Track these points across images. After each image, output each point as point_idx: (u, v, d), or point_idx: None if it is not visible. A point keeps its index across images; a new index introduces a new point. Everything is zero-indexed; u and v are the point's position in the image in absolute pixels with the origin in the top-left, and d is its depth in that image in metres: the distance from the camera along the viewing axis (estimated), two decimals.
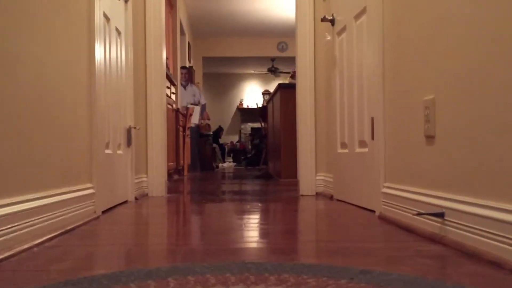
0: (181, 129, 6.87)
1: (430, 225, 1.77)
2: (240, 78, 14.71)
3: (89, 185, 2.40)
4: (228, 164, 12.10)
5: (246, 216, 2.43)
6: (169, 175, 5.72)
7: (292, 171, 5.57)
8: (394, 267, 1.29)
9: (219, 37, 11.02)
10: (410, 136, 2.01)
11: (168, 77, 4.93)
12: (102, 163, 2.57)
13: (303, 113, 3.74)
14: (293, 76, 6.17)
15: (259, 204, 3.05)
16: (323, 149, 3.74)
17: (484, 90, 1.45)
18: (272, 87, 14.34)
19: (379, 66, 2.36)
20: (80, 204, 2.23)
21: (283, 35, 10.93)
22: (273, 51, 11.20)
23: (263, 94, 14.44)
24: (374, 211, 2.48)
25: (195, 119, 8.73)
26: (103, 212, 2.62)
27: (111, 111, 2.83)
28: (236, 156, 12.95)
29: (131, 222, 2.32)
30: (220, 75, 14.39)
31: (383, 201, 2.32)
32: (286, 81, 7.30)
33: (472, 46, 1.52)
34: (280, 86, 5.65)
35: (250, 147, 13.15)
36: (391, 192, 2.22)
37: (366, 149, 2.62)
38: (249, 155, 12.21)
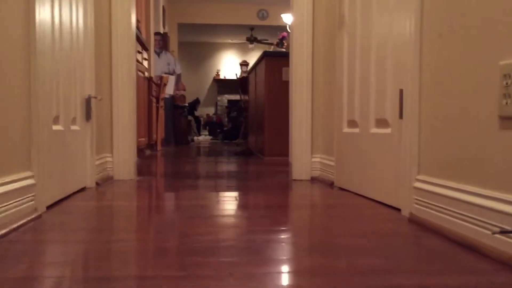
0: (154, 100, 6.19)
1: (506, 244, 1.22)
2: (217, 47, 13.94)
3: (27, 173, 1.77)
4: (203, 138, 11.46)
5: (233, 216, 1.85)
6: (141, 150, 5.09)
7: (277, 148, 5.01)
8: None
9: (195, 2, 10.22)
10: (470, 115, 1.44)
11: (140, 41, 4.26)
12: (47, 143, 1.94)
13: (298, 84, 3.15)
14: (278, 43, 5.54)
15: (247, 195, 2.47)
16: (320, 126, 3.17)
17: None
18: (250, 58, 13.64)
19: (414, 24, 1.77)
20: (13, 201, 1.61)
21: (263, 2, 10.21)
22: (253, 19, 10.47)
23: (241, 65, 13.74)
24: (398, 209, 1.93)
25: (169, 90, 8.05)
26: (50, 206, 2.00)
27: (62, 78, 2.18)
28: (212, 129, 12.31)
29: (85, 226, 1.71)
30: (196, 44, 13.59)
31: (416, 199, 1.76)
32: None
33: None
34: (265, 54, 5.02)
35: (226, 120, 12.52)
36: (430, 189, 1.67)
37: (387, 130, 2.05)
38: (225, 129, 11.59)
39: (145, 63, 4.65)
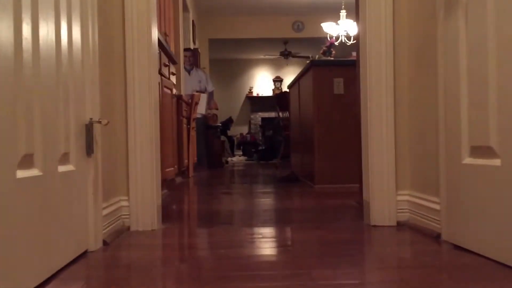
0: (184, 120, 5.42)
1: None
2: (249, 64, 13.18)
3: None
4: (238, 158, 10.65)
5: None
6: (171, 180, 4.30)
7: (329, 175, 4.13)
8: None
9: (227, 17, 9.51)
10: None
11: (167, 53, 3.49)
12: (4, 203, 1.13)
13: (374, 98, 2.28)
14: (326, 52, 4.69)
15: (310, 266, 1.59)
16: (407, 153, 2.29)
17: None
18: (284, 73, 12.85)
19: None
20: None
21: (298, 13, 9.41)
22: (288, 31, 9.67)
23: (275, 81, 12.96)
24: None
25: (201, 109, 7.30)
26: None
27: (39, 105, 1.38)
28: (246, 149, 11.48)
29: None
30: (228, 61, 12.87)
31: None
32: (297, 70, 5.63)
33: None
34: (312, 63, 4.18)
35: (261, 139, 11.70)
36: None
37: None
38: (260, 148, 10.77)
39: (173, 79, 3.89)
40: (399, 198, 2.28)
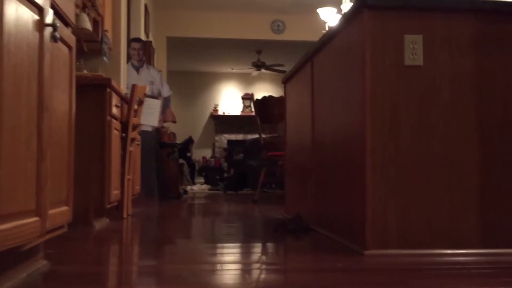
0: (115, 124, 3.10)
1: None
2: (214, 78, 10.94)
3: None
4: (199, 187, 8.30)
5: None
6: (82, 221, 1.95)
7: (401, 231, 1.90)
8: None
9: (191, 11, 7.29)
10: None
11: None
12: None
13: None
14: None
15: None
16: None
17: None
18: (255, 89, 10.68)
19: None
20: None
21: (279, 10, 7.33)
22: (265, 32, 7.55)
23: (244, 98, 10.78)
24: None
25: (152, 120, 4.96)
26: None
27: None
28: (209, 176, 9.16)
29: None
30: (190, 73, 10.59)
31: None
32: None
33: None
34: (364, 2, 1.98)
35: (226, 165, 9.41)
36: None
37: None
38: (226, 175, 8.49)
39: (86, 24, 1.60)
40: None
